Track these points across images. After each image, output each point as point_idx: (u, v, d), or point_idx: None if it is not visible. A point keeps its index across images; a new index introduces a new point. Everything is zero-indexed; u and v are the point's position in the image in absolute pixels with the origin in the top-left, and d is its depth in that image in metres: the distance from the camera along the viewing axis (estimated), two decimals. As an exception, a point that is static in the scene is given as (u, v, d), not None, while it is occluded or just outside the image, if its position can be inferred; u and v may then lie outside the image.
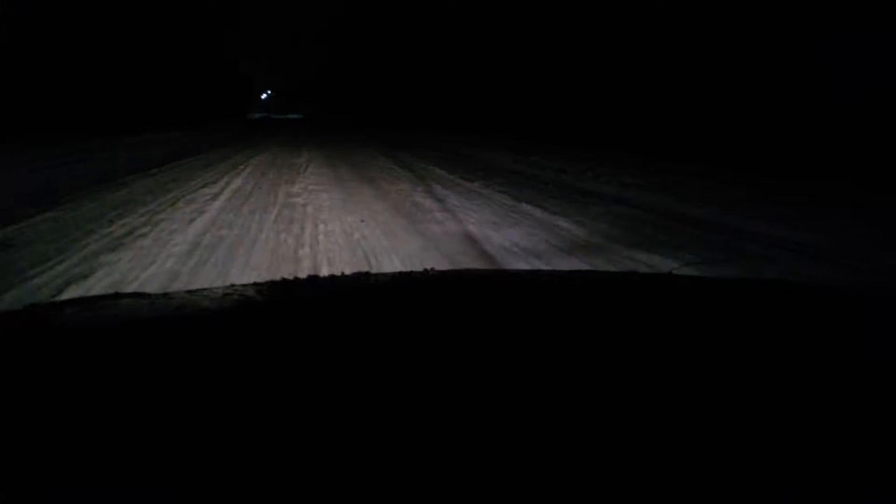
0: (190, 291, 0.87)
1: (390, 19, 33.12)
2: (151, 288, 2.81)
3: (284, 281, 0.88)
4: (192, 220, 4.47)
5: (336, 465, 0.39)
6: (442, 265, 3.27)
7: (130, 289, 2.74)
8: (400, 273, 1.14)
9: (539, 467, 0.39)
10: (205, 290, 0.87)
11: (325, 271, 3.20)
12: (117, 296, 0.84)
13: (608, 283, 1.03)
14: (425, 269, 1.07)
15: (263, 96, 65.94)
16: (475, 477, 0.38)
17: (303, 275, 1.18)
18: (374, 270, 1.37)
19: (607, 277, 1.26)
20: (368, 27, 36.51)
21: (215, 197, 5.65)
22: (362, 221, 4.56)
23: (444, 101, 27.66)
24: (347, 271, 1.05)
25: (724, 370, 0.56)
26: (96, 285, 2.88)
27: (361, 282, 0.97)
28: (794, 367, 0.57)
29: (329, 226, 4.39)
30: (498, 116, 21.06)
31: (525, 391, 0.50)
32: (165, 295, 0.85)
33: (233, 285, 0.88)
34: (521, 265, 3.39)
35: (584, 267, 3.30)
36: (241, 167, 8.21)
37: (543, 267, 3.27)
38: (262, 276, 3.03)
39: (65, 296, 2.70)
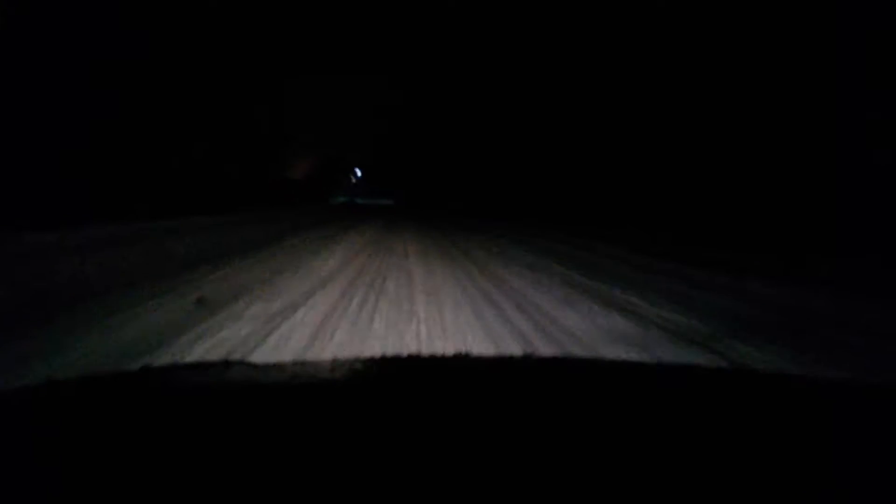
0: (297, 363, 0.91)
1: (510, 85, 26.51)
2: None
3: (386, 358, 0.92)
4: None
5: None
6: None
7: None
8: (500, 357, 1.15)
9: None
10: (312, 361, 0.93)
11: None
12: (227, 363, 0.88)
13: (701, 379, 0.97)
14: (526, 354, 1.09)
15: (353, 179, 61.26)
16: None
17: None
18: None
19: (704, 374, 1.17)
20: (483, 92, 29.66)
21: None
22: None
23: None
24: None
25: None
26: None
27: (461, 362, 0.98)
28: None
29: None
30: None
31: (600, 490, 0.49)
32: (274, 365, 0.87)
33: (337, 359, 0.90)
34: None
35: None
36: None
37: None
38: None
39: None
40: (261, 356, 3.02)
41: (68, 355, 2.89)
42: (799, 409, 0.75)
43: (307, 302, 4.52)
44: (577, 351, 3.24)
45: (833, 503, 0.49)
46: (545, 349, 3.27)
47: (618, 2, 16.10)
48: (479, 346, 3.33)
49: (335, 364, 0.86)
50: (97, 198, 11.17)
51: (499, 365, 1.02)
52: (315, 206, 28.46)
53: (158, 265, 6.07)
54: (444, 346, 3.35)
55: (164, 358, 2.88)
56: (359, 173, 59.80)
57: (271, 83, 23.98)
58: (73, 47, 10.85)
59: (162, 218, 11.38)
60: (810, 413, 0.73)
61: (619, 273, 6.95)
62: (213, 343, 3.21)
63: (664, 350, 3.37)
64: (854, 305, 5.07)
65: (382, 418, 0.63)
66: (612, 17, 16.89)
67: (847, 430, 0.66)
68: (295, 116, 28.25)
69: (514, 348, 3.27)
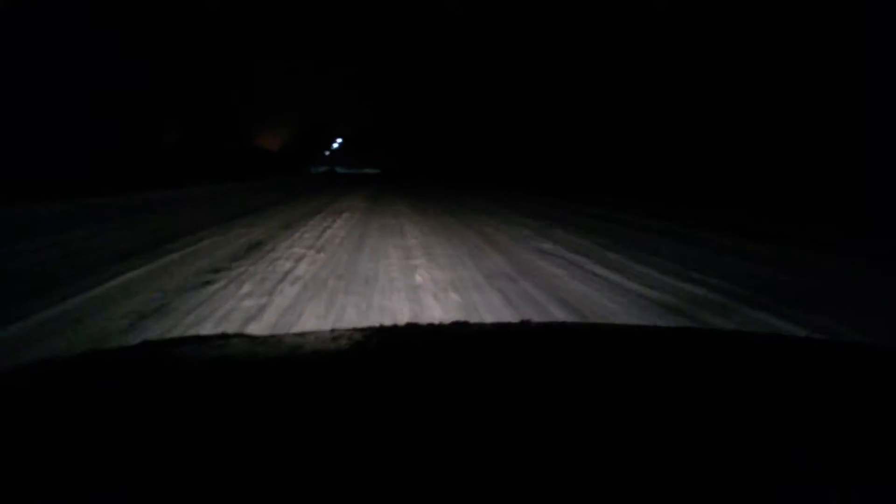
0: (297, 334, 0.90)
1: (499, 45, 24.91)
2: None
3: (383, 328, 0.90)
4: None
5: None
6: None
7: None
8: (498, 324, 1.09)
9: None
10: (311, 333, 0.90)
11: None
12: (225, 336, 0.87)
13: (711, 343, 0.94)
14: (523, 321, 1.04)
15: (335, 145, 54.51)
16: None
17: None
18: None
19: (712, 336, 1.14)
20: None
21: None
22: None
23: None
24: None
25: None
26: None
27: (460, 331, 0.95)
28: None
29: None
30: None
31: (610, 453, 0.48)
32: (273, 337, 0.88)
33: (335, 329, 0.89)
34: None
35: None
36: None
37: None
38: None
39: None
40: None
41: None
42: (797, 370, 0.73)
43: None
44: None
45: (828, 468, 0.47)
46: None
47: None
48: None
49: (334, 335, 0.85)
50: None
51: (498, 332, 1.01)
52: (283, 179, 22.47)
53: None
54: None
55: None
56: (339, 142, 53.02)
57: (246, 55, 21.61)
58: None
59: None
60: (808, 373, 0.72)
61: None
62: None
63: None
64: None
65: (385, 388, 0.62)
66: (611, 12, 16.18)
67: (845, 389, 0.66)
68: (274, 88, 25.93)
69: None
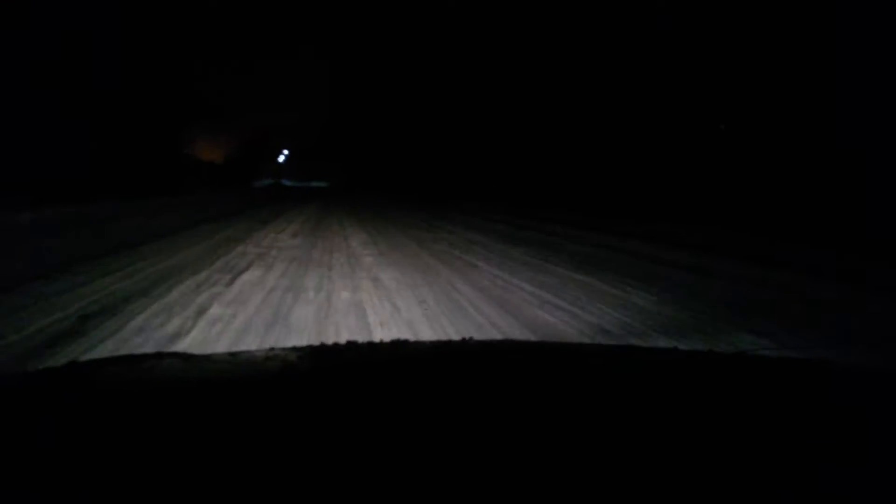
0: (232, 353, 0.86)
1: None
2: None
3: (323, 346, 0.88)
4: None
5: None
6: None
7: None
8: (438, 342, 1.08)
9: None
10: (246, 352, 0.87)
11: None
12: (159, 355, 0.83)
13: (652, 361, 0.94)
14: (464, 339, 1.02)
15: (281, 158, 50.64)
16: None
17: None
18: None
19: (652, 354, 1.18)
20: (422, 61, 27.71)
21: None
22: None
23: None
24: None
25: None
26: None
27: (399, 350, 0.94)
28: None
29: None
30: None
31: (549, 474, 0.47)
32: (207, 357, 0.84)
33: (273, 349, 0.86)
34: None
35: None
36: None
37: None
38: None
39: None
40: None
41: None
42: (774, 389, 0.71)
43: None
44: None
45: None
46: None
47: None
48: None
49: (269, 355, 0.80)
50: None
51: (436, 351, 0.97)
52: (213, 195, 18.89)
53: None
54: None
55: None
56: (285, 154, 49.36)
57: (179, 62, 19.76)
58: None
59: None
60: (791, 393, 0.69)
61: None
62: None
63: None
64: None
65: (317, 409, 0.60)
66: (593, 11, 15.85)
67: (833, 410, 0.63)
68: (219, 94, 24.43)
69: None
